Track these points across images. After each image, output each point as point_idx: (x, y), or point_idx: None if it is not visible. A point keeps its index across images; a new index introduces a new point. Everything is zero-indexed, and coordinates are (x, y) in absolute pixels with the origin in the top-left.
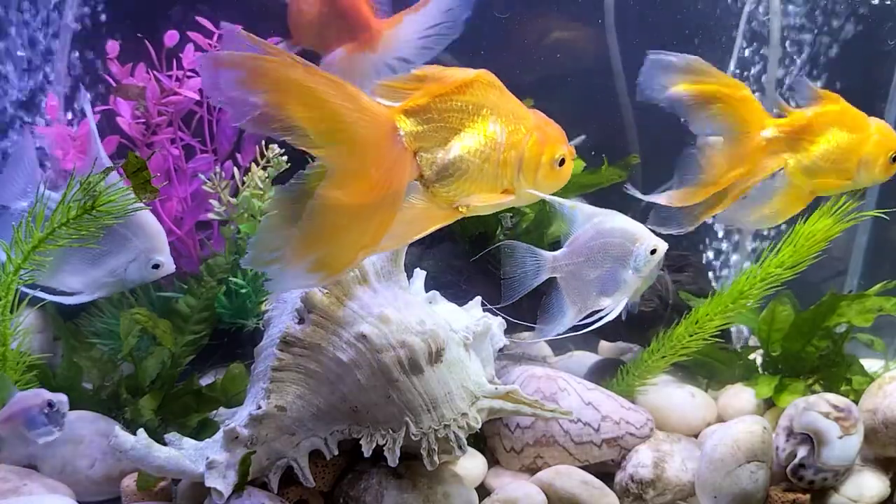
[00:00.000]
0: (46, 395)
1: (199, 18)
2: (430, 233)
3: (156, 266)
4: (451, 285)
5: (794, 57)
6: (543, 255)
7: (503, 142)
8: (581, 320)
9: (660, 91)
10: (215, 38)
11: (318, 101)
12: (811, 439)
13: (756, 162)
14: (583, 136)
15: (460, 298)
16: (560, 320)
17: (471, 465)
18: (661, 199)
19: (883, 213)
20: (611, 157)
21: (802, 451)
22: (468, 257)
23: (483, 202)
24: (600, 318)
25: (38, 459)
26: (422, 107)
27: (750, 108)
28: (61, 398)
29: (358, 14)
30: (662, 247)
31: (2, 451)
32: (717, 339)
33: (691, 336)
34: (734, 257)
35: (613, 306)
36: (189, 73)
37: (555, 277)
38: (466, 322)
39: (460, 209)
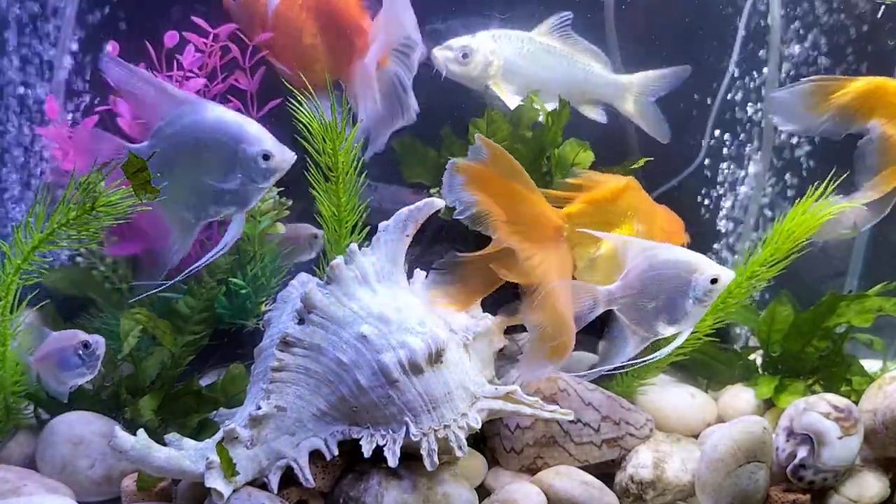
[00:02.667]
0: (82, 335)
1: (195, 19)
2: (428, 232)
3: (266, 157)
4: None
5: (794, 54)
6: (598, 289)
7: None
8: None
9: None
10: (210, 37)
11: (510, 205)
12: (811, 440)
13: None
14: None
15: None
16: (623, 350)
17: (471, 465)
18: (862, 196)
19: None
20: (611, 156)
21: (802, 452)
22: None
23: None
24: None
25: (39, 459)
26: (580, 212)
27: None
28: (98, 339)
29: (353, 20)
30: (726, 276)
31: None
32: (715, 339)
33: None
34: (731, 258)
35: (685, 332)
36: (189, 74)
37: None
38: (466, 322)
39: None
